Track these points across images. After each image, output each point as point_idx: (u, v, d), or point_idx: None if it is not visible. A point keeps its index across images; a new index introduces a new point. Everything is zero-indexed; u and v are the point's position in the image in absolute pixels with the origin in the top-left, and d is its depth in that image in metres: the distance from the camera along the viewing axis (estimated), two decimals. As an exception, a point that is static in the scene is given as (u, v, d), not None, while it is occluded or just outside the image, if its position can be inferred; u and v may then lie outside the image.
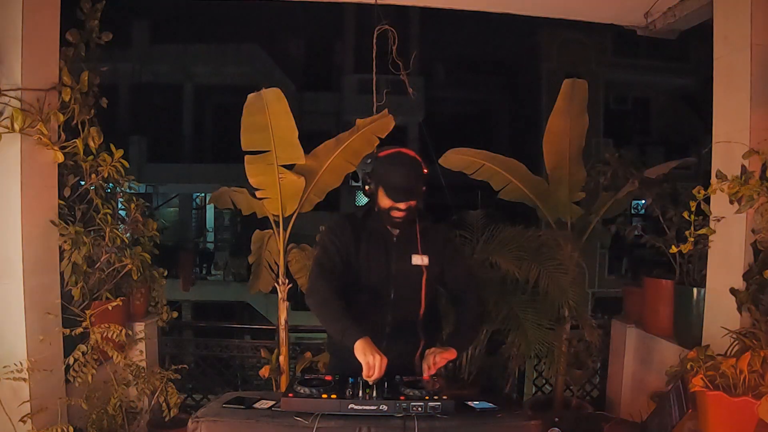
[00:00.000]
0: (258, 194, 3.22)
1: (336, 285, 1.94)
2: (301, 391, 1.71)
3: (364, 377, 1.74)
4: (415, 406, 1.64)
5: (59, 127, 2.30)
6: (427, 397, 1.67)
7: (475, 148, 3.43)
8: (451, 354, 1.92)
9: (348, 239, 2.03)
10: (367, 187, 2.03)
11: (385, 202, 1.97)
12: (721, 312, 2.36)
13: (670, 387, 2.23)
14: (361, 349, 1.75)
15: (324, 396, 1.67)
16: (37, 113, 2.16)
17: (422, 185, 1.99)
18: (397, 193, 1.94)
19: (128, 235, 2.76)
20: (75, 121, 2.40)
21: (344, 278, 1.99)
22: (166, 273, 3.23)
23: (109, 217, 2.55)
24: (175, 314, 3.32)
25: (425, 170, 1.99)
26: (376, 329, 1.97)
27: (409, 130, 13.35)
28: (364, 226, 2.07)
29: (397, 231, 2.06)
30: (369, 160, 2.03)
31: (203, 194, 16.40)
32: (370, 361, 1.72)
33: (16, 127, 2.07)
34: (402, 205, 1.96)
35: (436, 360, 1.88)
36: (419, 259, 2.03)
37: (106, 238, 2.50)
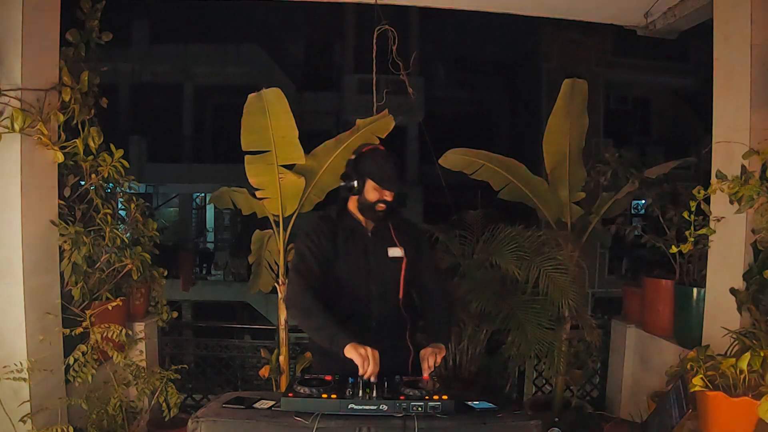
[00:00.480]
0: (258, 194, 3.22)
1: (315, 291, 1.95)
2: (301, 391, 1.71)
3: (361, 374, 1.75)
4: (415, 406, 1.64)
5: (59, 127, 2.31)
6: (427, 397, 1.67)
7: (475, 148, 3.43)
8: (442, 350, 1.97)
9: (324, 240, 2.06)
10: (354, 183, 2.07)
11: (371, 195, 2.04)
12: (721, 312, 2.36)
13: (670, 387, 2.23)
14: (352, 348, 1.77)
15: (324, 396, 1.67)
16: (37, 113, 2.16)
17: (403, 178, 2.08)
18: (386, 182, 2.02)
19: (128, 235, 2.76)
20: (75, 121, 2.40)
21: (323, 281, 2.01)
22: (166, 273, 3.23)
23: (109, 217, 2.55)
24: (175, 314, 3.32)
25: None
26: (361, 324, 2.01)
27: (409, 130, 13.36)
28: (340, 224, 2.12)
29: (372, 226, 2.13)
30: (353, 156, 2.11)
31: (203, 194, 16.40)
32: (362, 353, 1.74)
33: (16, 127, 2.07)
34: (389, 196, 2.04)
35: (437, 360, 1.91)
36: (396, 252, 2.10)
37: (106, 238, 2.50)
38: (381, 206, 2.05)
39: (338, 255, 2.06)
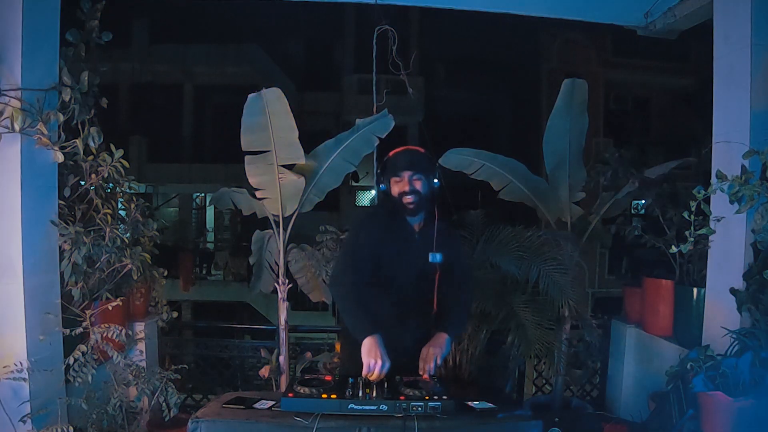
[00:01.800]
0: (258, 194, 3.22)
1: (358, 278, 2.01)
2: (301, 391, 1.71)
3: (363, 375, 1.78)
4: (415, 406, 1.64)
5: (59, 127, 2.30)
6: (427, 397, 1.68)
7: (475, 148, 3.43)
8: (443, 349, 1.96)
9: (375, 232, 2.11)
10: (381, 184, 2.14)
11: (395, 188, 2.09)
12: (721, 312, 2.36)
13: (670, 387, 2.23)
14: (367, 349, 1.82)
15: (324, 396, 1.67)
16: (37, 113, 2.16)
17: (426, 167, 2.10)
18: (398, 169, 2.06)
19: (128, 235, 2.76)
20: (75, 121, 2.40)
21: (369, 271, 2.06)
22: (166, 273, 3.23)
23: (109, 217, 2.55)
24: (175, 314, 3.32)
25: (436, 163, 2.15)
26: (397, 318, 2.06)
27: (409, 130, 13.33)
28: (391, 219, 2.15)
29: (419, 227, 2.15)
30: (383, 161, 2.17)
31: (203, 194, 16.40)
32: (370, 363, 1.79)
33: (16, 127, 2.07)
34: (406, 185, 2.05)
35: (438, 362, 1.92)
36: (437, 256, 2.13)
37: (106, 238, 2.50)
38: (407, 199, 2.06)
39: (385, 249, 2.09)
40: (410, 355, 1.96)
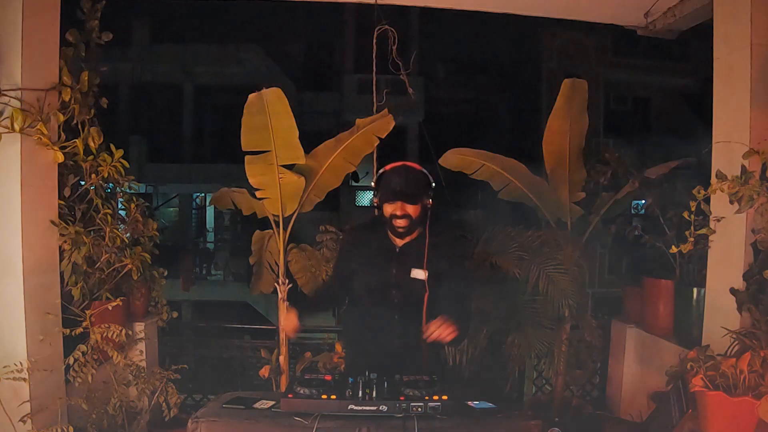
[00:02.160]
0: (258, 194, 3.22)
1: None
2: (301, 391, 1.71)
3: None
4: (415, 406, 1.64)
5: (59, 127, 2.31)
6: (427, 397, 1.67)
7: (475, 148, 3.43)
8: (452, 326, 1.83)
9: (353, 249, 2.14)
10: (375, 200, 2.09)
11: (387, 209, 2.03)
12: (721, 312, 2.36)
13: (670, 387, 2.23)
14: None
15: (324, 396, 1.67)
16: (37, 113, 2.16)
17: (420, 192, 2.03)
18: (391, 194, 2.00)
19: (128, 235, 2.76)
20: (75, 121, 2.40)
21: (342, 295, 2.20)
22: (166, 273, 3.23)
23: (109, 217, 2.55)
24: (175, 314, 3.32)
25: (431, 183, 2.06)
26: (380, 335, 2.02)
27: (409, 130, 13.34)
28: (371, 234, 2.13)
29: (402, 242, 2.09)
30: (377, 175, 2.11)
31: (203, 194, 16.41)
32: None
33: (16, 127, 2.07)
34: (398, 210, 2.00)
35: (445, 332, 1.82)
36: (419, 273, 2.02)
37: (106, 238, 2.50)
38: (398, 222, 2.00)
39: (362, 267, 2.06)
40: (394, 363, 1.92)
